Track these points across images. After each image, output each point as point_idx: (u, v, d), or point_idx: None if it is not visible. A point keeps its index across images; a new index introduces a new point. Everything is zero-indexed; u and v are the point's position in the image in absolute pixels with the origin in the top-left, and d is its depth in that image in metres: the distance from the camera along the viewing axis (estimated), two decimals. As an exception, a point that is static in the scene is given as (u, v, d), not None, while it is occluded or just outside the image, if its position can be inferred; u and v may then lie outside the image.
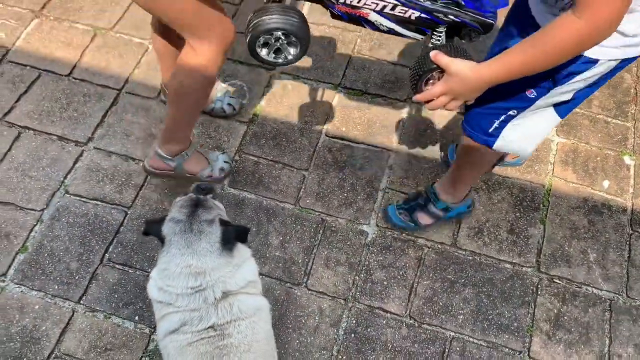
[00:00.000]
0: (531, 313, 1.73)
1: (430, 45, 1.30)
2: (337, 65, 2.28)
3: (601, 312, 1.73)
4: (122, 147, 2.06)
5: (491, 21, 1.29)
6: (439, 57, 1.19)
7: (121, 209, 1.93)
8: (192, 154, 1.86)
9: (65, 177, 1.99)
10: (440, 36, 1.31)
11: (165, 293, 1.28)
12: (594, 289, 1.78)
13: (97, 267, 1.81)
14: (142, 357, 1.67)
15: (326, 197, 1.96)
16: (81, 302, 1.75)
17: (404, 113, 2.16)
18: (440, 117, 2.14)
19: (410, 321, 1.72)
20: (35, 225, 1.89)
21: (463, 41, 1.35)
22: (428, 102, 1.25)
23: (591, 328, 1.71)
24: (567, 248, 1.85)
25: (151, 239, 1.85)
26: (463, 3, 1.27)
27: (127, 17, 2.42)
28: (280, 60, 1.37)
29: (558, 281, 1.79)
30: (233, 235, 1.30)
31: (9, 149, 2.05)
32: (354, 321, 1.72)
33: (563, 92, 1.29)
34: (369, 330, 1.71)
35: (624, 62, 1.21)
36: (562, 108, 1.38)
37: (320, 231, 1.88)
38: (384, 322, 1.72)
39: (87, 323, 1.72)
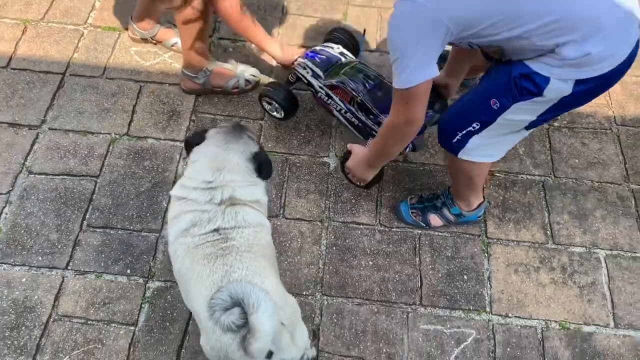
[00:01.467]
0: (481, 204, 1.98)
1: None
2: (271, 22, 2.45)
3: (537, 192, 2.02)
4: (77, 124, 2.11)
5: (418, 143, 1.84)
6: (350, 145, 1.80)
7: (90, 179, 1.97)
8: (214, 69, 2.14)
9: (25, 159, 2.01)
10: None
11: (184, 188, 1.41)
12: (527, 175, 2.06)
13: (78, 234, 1.86)
14: (141, 303, 1.74)
15: (285, 139, 2.11)
16: (69, 267, 1.79)
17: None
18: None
19: (382, 228, 1.92)
20: (4, 208, 1.90)
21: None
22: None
23: (532, 206, 1.99)
24: (500, 147, 2.13)
25: (128, 200, 1.93)
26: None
27: (55, 6, 2.45)
28: (274, 114, 2.08)
29: (498, 174, 2.05)
30: (263, 159, 1.48)
31: (-42, 143, 2.03)
32: (332, 236, 1.89)
33: (523, 110, 1.41)
34: (347, 241, 1.88)
35: (586, 84, 1.32)
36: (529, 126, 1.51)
37: (287, 168, 2.04)
38: (359, 232, 1.91)
39: (80, 285, 1.76)
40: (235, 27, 1.96)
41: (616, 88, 2.28)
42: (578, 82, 1.31)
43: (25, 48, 2.30)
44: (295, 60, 2.00)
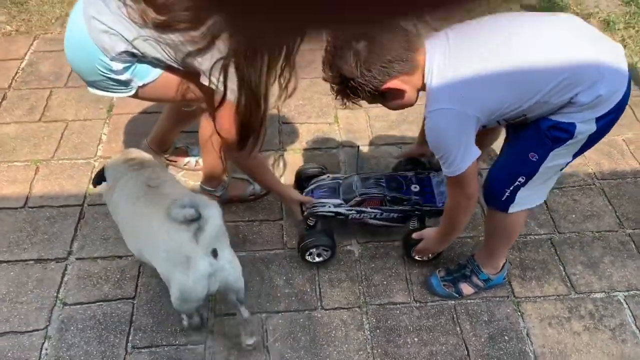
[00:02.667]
0: (501, 267, 2.12)
1: (411, 227, 2.09)
2: (272, 135, 2.64)
3: (548, 248, 2.18)
4: (105, 251, 2.16)
5: (442, 208, 1.95)
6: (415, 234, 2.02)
7: (127, 301, 2.00)
8: (230, 182, 2.26)
9: (57, 292, 2.02)
10: (414, 222, 2.09)
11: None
12: (535, 235, 2.23)
13: (124, 357, 1.85)
14: (202, 417, 1.72)
15: (307, 234, 2.23)
16: (121, 393, 1.77)
17: (341, 156, 2.56)
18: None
19: (417, 304, 2.01)
20: (43, 343, 1.88)
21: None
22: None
23: (547, 262, 2.14)
24: (503, 214, 2.31)
25: (168, 316, 1.96)
26: (422, 202, 2.04)
27: (63, 144, 2.58)
28: (320, 259, 2.11)
29: (509, 238, 2.22)
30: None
31: (-14, 287, 2.03)
32: (374, 319, 1.96)
33: (561, 154, 1.61)
34: (388, 322, 1.95)
35: (606, 118, 1.53)
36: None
37: (314, 261, 2.13)
38: (398, 312, 1.98)
39: (135, 409, 1.73)
40: (248, 166, 2.01)
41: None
42: (598, 119, 1.53)
43: (40, 187, 2.38)
44: (304, 208, 2.09)
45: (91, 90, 1.86)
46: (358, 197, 2.04)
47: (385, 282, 2.07)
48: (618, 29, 3.35)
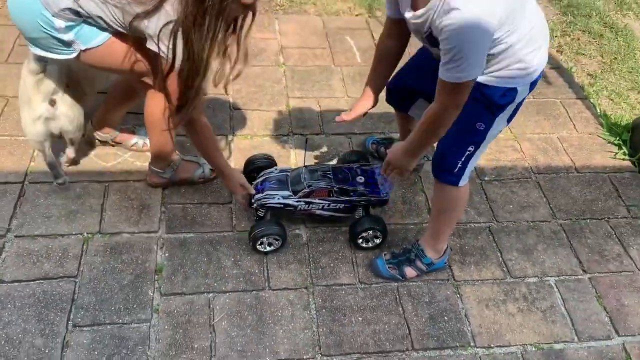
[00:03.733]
0: (443, 252, 2.21)
1: (356, 217, 2.15)
2: (223, 119, 2.64)
3: (486, 236, 2.29)
4: (46, 229, 2.09)
5: (386, 199, 2.15)
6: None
7: (69, 279, 1.95)
8: (179, 163, 2.24)
9: (-6, 269, 1.95)
10: (359, 211, 2.16)
11: None
12: (475, 223, 2.34)
13: (64, 336, 1.80)
14: (145, 394, 1.70)
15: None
16: (60, 371, 1.72)
17: (291, 143, 2.59)
18: (318, 141, 2.61)
19: (362, 285, 2.06)
20: (-22, 324, 1.81)
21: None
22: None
23: (485, 248, 2.24)
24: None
25: (112, 294, 1.92)
26: (367, 193, 2.10)
27: (2, 121, 2.48)
28: (271, 248, 2.12)
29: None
30: None
31: None
32: (320, 300, 2.00)
33: (501, 120, 1.72)
34: (334, 302, 1.99)
35: (534, 85, 1.68)
36: None
37: (263, 244, 2.15)
38: (343, 292, 2.03)
39: (75, 386, 1.69)
40: (199, 138, 1.97)
41: (526, 144, 2.72)
42: (532, 84, 1.66)
43: (-23, 162, 2.29)
44: (252, 200, 2.10)
45: (32, 49, 1.80)
46: (306, 189, 2.08)
47: (332, 265, 2.11)
48: (555, 36, 3.54)
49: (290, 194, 2.09)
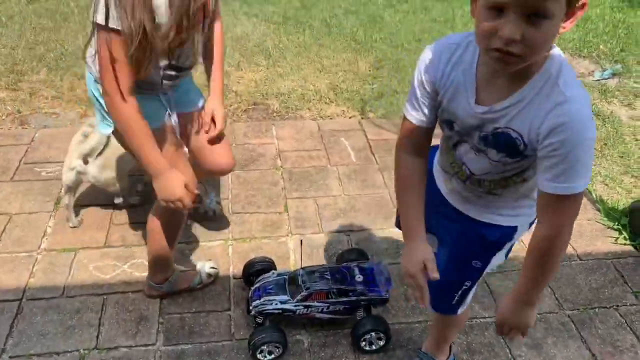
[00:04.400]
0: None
1: (358, 318, 2.10)
2: (223, 224, 2.67)
3: (493, 331, 2.22)
4: (42, 347, 2.05)
5: (386, 297, 2.11)
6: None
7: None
8: (177, 277, 2.24)
9: (-14, 394, 1.89)
10: (360, 312, 2.11)
11: None
12: (480, 319, 2.28)
13: None
14: None
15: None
16: None
17: (290, 244, 2.59)
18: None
19: (368, 392, 1.98)
20: None
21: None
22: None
23: (493, 345, 2.16)
24: (449, 298, 2.36)
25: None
26: (367, 292, 2.07)
27: (4, 238, 2.52)
28: (272, 357, 2.06)
29: (455, 322, 2.25)
30: None
31: None
32: (324, 411, 1.91)
33: (501, 255, 1.57)
34: (339, 412, 1.90)
35: (533, 223, 1.46)
36: None
37: (263, 352, 2.09)
38: (348, 401, 1.94)
39: None
40: (129, 131, 1.66)
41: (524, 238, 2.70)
42: (531, 223, 1.51)
43: (-24, 281, 2.29)
44: (249, 307, 2.10)
45: (103, 131, 1.87)
46: (304, 292, 2.05)
47: (335, 371, 2.04)
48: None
49: (289, 298, 2.07)
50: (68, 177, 2.47)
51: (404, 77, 4.12)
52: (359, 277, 2.12)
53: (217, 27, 1.96)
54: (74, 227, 2.58)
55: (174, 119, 1.89)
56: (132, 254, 2.47)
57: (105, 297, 2.26)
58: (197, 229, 2.64)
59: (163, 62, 1.72)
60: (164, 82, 1.79)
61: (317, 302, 2.07)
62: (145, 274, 2.27)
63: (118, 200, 2.66)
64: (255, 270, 2.26)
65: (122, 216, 2.68)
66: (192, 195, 1.77)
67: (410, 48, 4.61)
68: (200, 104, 2.05)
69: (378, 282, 2.12)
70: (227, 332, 2.16)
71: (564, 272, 2.51)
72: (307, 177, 3.04)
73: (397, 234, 2.63)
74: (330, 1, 5.72)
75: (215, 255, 2.50)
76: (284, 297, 2.07)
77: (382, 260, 2.23)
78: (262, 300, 2.07)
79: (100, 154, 2.44)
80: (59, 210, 2.68)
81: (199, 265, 2.34)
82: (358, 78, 4.11)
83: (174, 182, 1.71)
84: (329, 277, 2.10)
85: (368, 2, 5.81)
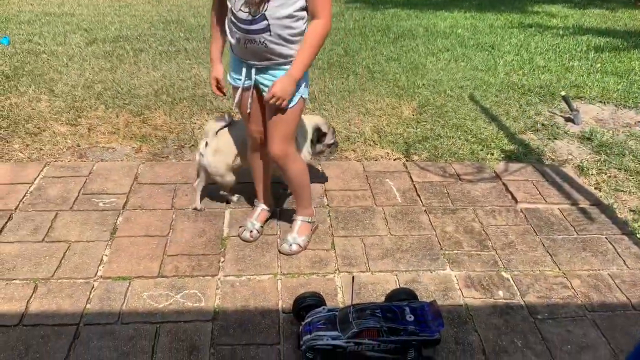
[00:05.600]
0: (502, 397, 2.09)
1: (409, 358, 2.11)
2: (271, 258, 2.71)
3: (546, 379, 2.17)
4: (97, 372, 2.10)
5: (438, 338, 2.12)
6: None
7: None
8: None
9: (44, 415, 1.93)
10: (411, 352, 2.10)
11: None
12: (533, 365, 2.24)
13: None
14: None
15: (305, 359, 2.20)
16: None
17: (337, 281, 2.61)
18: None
19: None
20: None
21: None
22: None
23: (547, 393, 2.12)
24: (500, 342, 2.32)
25: None
26: (418, 331, 2.08)
27: (64, 264, 2.61)
28: None
29: (507, 368, 2.21)
30: None
31: (-31, 407, 1.94)
32: None
33: None
34: None
35: None
36: None
37: (313, 388, 2.09)
38: None
39: None
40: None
41: (576, 281, 2.67)
42: None
43: (37, 304, 2.37)
44: (300, 342, 2.13)
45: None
46: (355, 329, 2.06)
47: (385, 411, 2.02)
48: (591, 174, 3.63)
49: (339, 334, 2.07)
50: (196, 158, 2.94)
51: (448, 122, 4.18)
52: (410, 317, 2.12)
53: (314, 22, 2.28)
54: (196, 209, 3.03)
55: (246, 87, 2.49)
56: (185, 284, 2.53)
57: (158, 325, 2.31)
58: (247, 263, 2.68)
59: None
60: (237, 33, 2.33)
61: (368, 339, 2.07)
62: (198, 304, 2.32)
63: (233, 198, 3.11)
64: (307, 304, 2.28)
65: (176, 247, 2.75)
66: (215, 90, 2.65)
67: (452, 95, 4.69)
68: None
69: (429, 322, 2.12)
70: (276, 366, 2.17)
71: (618, 322, 2.45)
72: (354, 216, 3.08)
73: (444, 276, 2.64)
74: (373, 49, 5.90)
75: (265, 289, 2.53)
76: (335, 333, 2.07)
77: (434, 300, 2.22)
78: (312, 335, 2.08)
79: (216, 140, 2.82)
80: (115, 240, 2.78)
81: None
82: (401, 122, 4.19)
83: (211, 74, 2.63)
84: (380, 315, 2.11)
85: (410, 50, 5.96)
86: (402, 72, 5.12)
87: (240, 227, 2.89)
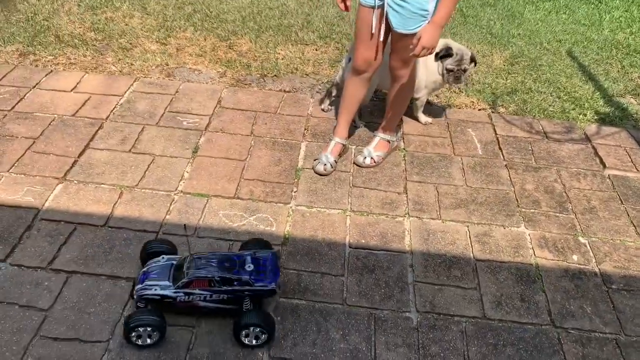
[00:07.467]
0: (563, 359, 2.06)
1: (244, 309, 2.01)
2: (342, 194, 2.74)
3: (612, 349, 2.11)
4: (172, 277, 2.23)
5: (272, 288, 2.02)
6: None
7: (187, 329, 2.05)
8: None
9: (123, 309, 2.10)
10: (247, 303, 2.02)
11: None
12: (600, 333, 2.17)
13: (177, 382, 1.87)
14: None
15: (367, 294, 2.25)
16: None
17: (406, 224, 2.61)
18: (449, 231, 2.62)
19: (473, 381, 1.96)
20: (103, 355, 1.94)
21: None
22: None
23: (611, 362, 2.07)
24: (568, 306, 2.27)
25: (226, 348, 1.98)
26: (252, 282, 1.99)
27: (148, 175, 2.74)
28: (148, 341, 1.98)
29: (572, 331, 2.17)
30: None
31: (60, 292, 2.14)
32: (427, 389, 1.92)
33: None
34: (442, 394, 1.91)
35: None
36: None
37: (372, 322, 2.14)
38: (452, 385, 1.94)
39: None
40: None
41: (660, 256, 2.53)
42: None
43: (121, 209, 2.53)
44: (133, 289, 2.07)
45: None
46: (185, 279, 1.98)
47: (442, 355, 2.04)
48: None
49: (170, 284, 2.01)
50: (339, 73, 3.17)
51: (540, 76, 3.95)
52: (249, 267, 2.03)
53: None
54: (323, 110, 3.36)
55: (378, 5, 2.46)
56: (259, 208, 2.61)
57: (231, 243, 2.41)
58: (319, 196, 2.72)
59: None
60: None
61: (198, 289, 2.00)
62: (269, 228, 2.39)
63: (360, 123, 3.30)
64: (152, 251, 2.18)
65: (253, 172, 2.82)
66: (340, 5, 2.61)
67: (549, 48, 4.40)
68: (409, 29, 2.44)
69: (267, 272, 2.04)
70: (339, 296, 2.23)
71: (699, 303, 2.33)
72: (430, 163, 3.02)
73: (518, 233, 2.58)
74: (469, -9, 5.58)
75: (333, 223, 2.57)
76: (166, 283, 2.01)
77: (279, 250, 2.11)
78: (143, 284, 2.02)
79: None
80: (196, 159, 2.88)
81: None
82: (491, 71, 4.00)
83: None
84: (215, 265, 2.02)
85: (508, -4, 5.59)
86: (497, 19, 4.83)
87: (314, 159, 2.91)
